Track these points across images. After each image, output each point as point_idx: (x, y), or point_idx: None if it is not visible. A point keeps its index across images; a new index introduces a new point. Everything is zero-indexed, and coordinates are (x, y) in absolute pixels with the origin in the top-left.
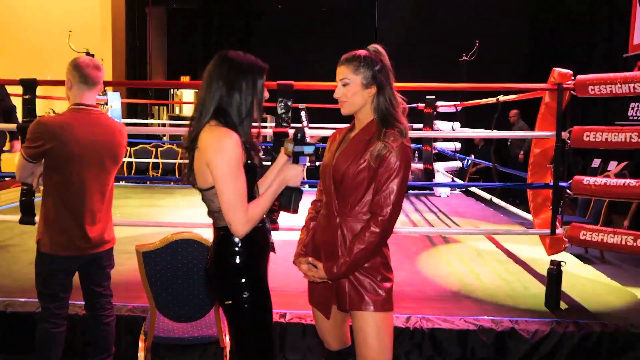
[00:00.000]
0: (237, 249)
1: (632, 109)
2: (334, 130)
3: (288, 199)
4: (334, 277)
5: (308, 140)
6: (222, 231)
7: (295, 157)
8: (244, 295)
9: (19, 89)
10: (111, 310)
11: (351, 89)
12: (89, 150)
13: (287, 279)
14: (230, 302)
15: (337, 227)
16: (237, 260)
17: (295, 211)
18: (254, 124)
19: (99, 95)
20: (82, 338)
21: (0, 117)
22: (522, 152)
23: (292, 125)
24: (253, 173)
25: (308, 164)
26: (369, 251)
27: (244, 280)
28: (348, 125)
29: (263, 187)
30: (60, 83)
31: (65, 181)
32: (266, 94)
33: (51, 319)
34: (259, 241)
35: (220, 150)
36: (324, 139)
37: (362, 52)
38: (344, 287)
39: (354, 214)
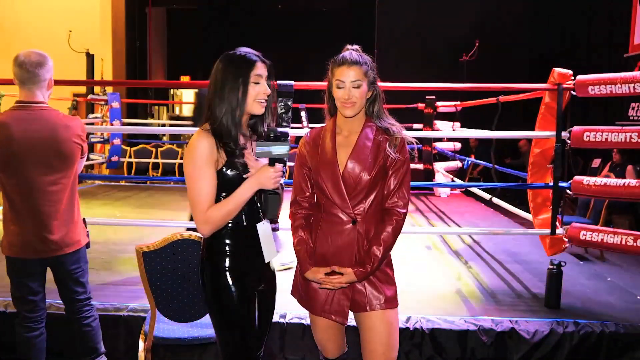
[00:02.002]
0: (222, 248)
1: (633, 109)
2: None
3: (265, 204)
4: (364, 277)
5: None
6: None
7: (270, 159)
8: (224, 294)
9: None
10: (90, 311)
11: (361, 91)
12: (29, 149)
13: (287, 279)
14: (211, 299)
15: (352, 231)
16: (221, 259)
17: (273, 217)
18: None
19: (98, 94)
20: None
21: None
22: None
23: (292, 126)
24: (232, 177)
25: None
26: (393, 245)
27: (225, 279)
28: (320, 125)
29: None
30: (60, 83)
31: (13, 182)
32: (262, 90)
33: (25, 323)
34: (245, 243)
35: (189, 151)
36: None
37: (362, 54)
38: (362, 289)
39: (370, 215)
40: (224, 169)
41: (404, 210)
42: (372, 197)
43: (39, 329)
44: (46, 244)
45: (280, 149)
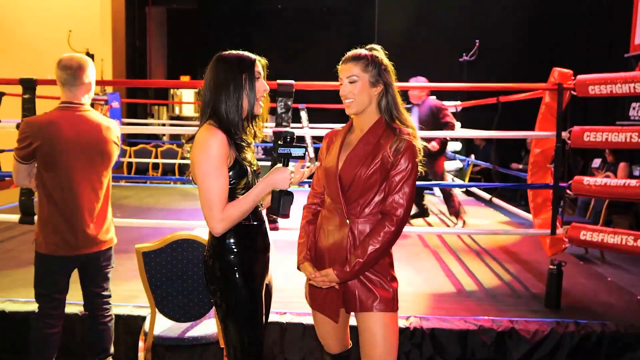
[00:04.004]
0: (231, 246)
1: (634, 108)
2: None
3: (277, 203)
4: (346, 279)
5: (307, 142)
6: None
7: (284, 159)
8: (235, 292)
9: (18, 89)
10: (109, 310)
11: (358, 86)
12: (75, 148)
13: (287, 279)
14: (221, 297)
15: (347, 229)
16: (231, 257)
17: (284, 215)
18: (263, 122)
19: (98, 94)
20: (81, 338)
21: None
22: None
23: (293, 126)
24: (243, 173)
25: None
26: (382, 250)
27: (235, 277)
28: (343, 125)
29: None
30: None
31: (55, 180)
32: (262, 88)
33: (46, 320)
34: (253, 240)
35: (202, 149)
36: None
37: (366, 51)
38: (353, 289)
39: (365, 216)
40: (236, 164)
41: (401, 215)
42: (368, 197)
43: (57, 327)
44: (82, 241)
45: (299, 151)
